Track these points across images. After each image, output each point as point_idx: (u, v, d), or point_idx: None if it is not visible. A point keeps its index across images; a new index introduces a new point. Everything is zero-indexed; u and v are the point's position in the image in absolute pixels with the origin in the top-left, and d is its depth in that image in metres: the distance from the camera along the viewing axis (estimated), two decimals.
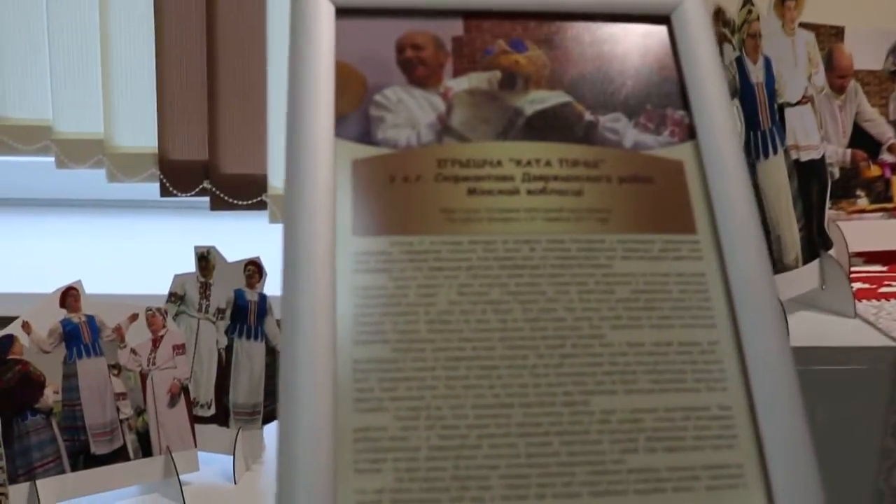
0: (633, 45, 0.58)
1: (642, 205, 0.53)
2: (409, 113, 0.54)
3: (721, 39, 1.02)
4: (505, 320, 0.49)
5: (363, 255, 0.50)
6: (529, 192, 0.52)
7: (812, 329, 1.12)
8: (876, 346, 1.07)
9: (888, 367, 1.06)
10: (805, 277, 1.13)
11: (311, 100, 0.52)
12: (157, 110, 1.45)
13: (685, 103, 0.56)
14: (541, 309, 0.49)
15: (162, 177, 1.46)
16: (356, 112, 0.54)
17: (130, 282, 1.38)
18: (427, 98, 0.55)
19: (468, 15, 0.57)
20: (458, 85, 0.55)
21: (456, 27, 0.57)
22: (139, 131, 1.47)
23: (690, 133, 0.55)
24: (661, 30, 0.58)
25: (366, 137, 0.53)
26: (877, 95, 1.43)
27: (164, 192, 1.48)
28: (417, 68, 0.55)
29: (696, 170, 0.54)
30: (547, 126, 0.54)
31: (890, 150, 1.41)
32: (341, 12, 0.56)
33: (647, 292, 0.50)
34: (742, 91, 1.05)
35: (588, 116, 0.55)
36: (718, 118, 0.55)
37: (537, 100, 0.55)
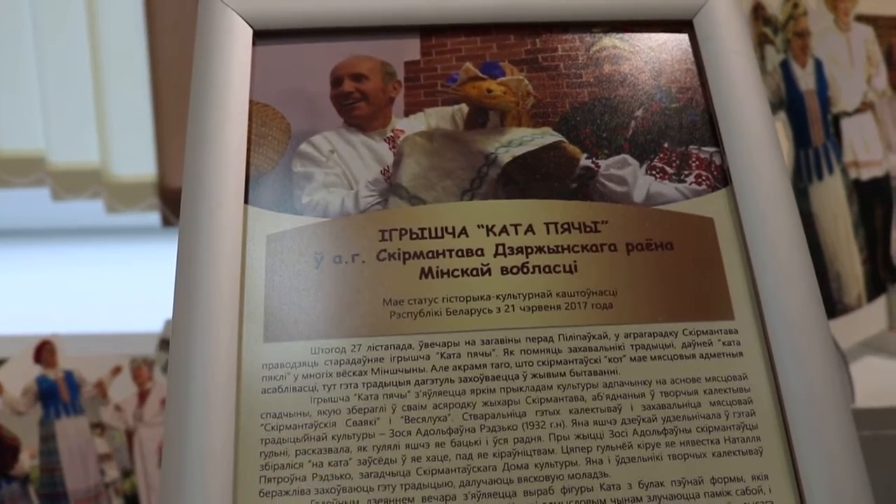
0: (643, 61, 0.44)
1: (659, 282, 0.39)
2: (346, 167, 0.41)
3: (762, 41, 0.87)
4: (469, 456, 0.35)
5: (276, 369, 0.37)
6: (504, 271, 0.39)
7: (882, 382, 0.96)
8: None
9: None
10: (870, 318, 0.97)
11: (214, 154, 0.40)
12: (155, 134, 1.35)
13: (715, 138, 0.42)
14: (518, 438, 0.36)
15: (163, 206, 1.36)
16: (275, 169, 0.41)
17: (129, 317, 1.29)
18: (369, 146, 0.41)
19: (426, 31, 0.44)
20: (412, 126, 0.42)
21: (410, 48, 0.44)
22: (137, 158, 1.38)
23: (723, 178, 0.41)
24: (681, 39, 0.44)
25: (286, 203, 0.40)
26: None
27: (167, 222, 1.37)
28: (358, 106, 0.42)
29: (732, 229, 0.40)
30: (529, 177, 0.41)
31: None
32: (261, 36, 0.43)
33: (666, 408, 0.37)
34: (789, 102, 0.90)
35: (584, 161, 0.41)
36: (760, 156, 0.41)
37: (516, 141, 0.42)
